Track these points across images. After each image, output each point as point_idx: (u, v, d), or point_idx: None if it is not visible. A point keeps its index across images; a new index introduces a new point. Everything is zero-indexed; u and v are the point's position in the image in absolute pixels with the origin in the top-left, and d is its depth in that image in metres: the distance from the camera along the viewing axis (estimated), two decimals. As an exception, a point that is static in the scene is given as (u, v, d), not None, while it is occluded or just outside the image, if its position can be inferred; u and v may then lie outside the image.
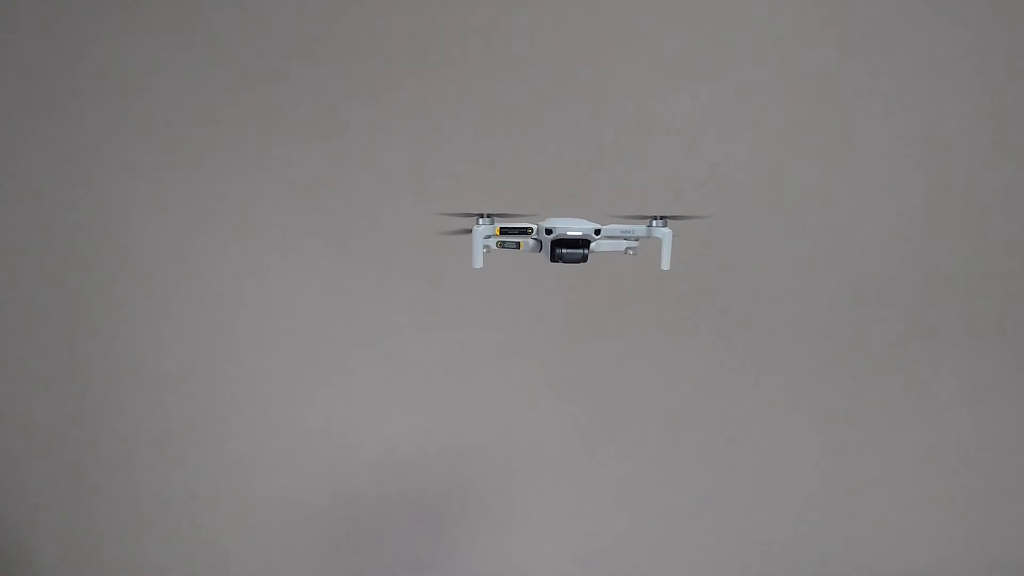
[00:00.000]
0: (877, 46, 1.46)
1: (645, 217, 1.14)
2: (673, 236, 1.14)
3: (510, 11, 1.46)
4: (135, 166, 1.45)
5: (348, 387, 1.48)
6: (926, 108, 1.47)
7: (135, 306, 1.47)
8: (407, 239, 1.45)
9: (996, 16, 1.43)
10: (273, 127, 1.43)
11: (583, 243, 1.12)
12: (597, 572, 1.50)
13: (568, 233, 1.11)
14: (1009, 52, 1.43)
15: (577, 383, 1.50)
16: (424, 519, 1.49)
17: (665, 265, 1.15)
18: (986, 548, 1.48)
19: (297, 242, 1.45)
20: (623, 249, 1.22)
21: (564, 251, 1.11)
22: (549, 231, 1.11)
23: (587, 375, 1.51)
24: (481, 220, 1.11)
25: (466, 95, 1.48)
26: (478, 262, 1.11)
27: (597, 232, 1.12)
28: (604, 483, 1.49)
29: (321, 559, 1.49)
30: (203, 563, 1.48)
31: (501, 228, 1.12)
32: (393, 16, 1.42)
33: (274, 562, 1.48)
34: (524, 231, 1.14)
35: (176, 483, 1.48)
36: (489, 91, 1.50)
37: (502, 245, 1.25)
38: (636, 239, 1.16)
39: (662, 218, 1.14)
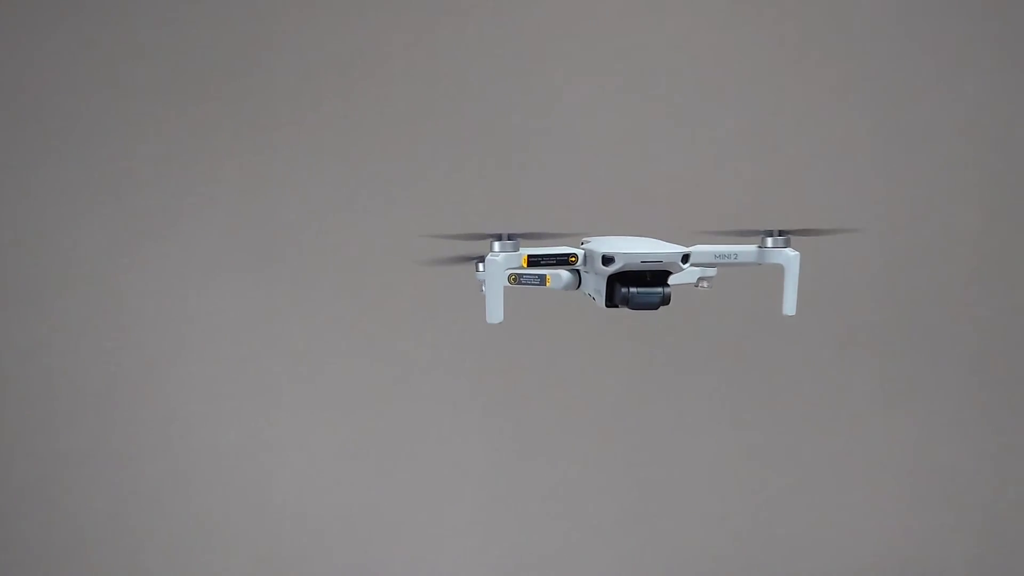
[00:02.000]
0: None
1: (754, 232, 0.73)
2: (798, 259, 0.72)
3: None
4: (53, 182, 1.44)
5: (272, 405, 1.45)
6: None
7: (53, 325, 1.46)
8: (339, 254, 1.44)
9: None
10: (198, 143, 1.41)
11: (661, 276, 0.71)
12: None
13: (642, 262, 0.68)
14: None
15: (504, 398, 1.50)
16: (351, 534, 1.48)
17: (790, 307, 0.73)
18: (900, 550, 1.51)
19: (221, 261, 1.42)
20: (693, 281, 0.83)
21: (635, 291, 0.69)
22: (608, 260, 0.69)
23: (513, 392, 1.51)
24: (497, 245, 0.69)
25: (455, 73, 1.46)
26: (496, 314, 0.69)
27: (685, 259, 0.70)
28: (531, 496, 1.50)
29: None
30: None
31: (529, 257, 0.70)
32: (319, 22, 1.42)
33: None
34: (565, 260, 0.72)
35: (96, 505, 1.45)
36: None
37: (517, 280, 0.84)
38: (734, 265, 0.75)
39: (783, 233, 0.72)
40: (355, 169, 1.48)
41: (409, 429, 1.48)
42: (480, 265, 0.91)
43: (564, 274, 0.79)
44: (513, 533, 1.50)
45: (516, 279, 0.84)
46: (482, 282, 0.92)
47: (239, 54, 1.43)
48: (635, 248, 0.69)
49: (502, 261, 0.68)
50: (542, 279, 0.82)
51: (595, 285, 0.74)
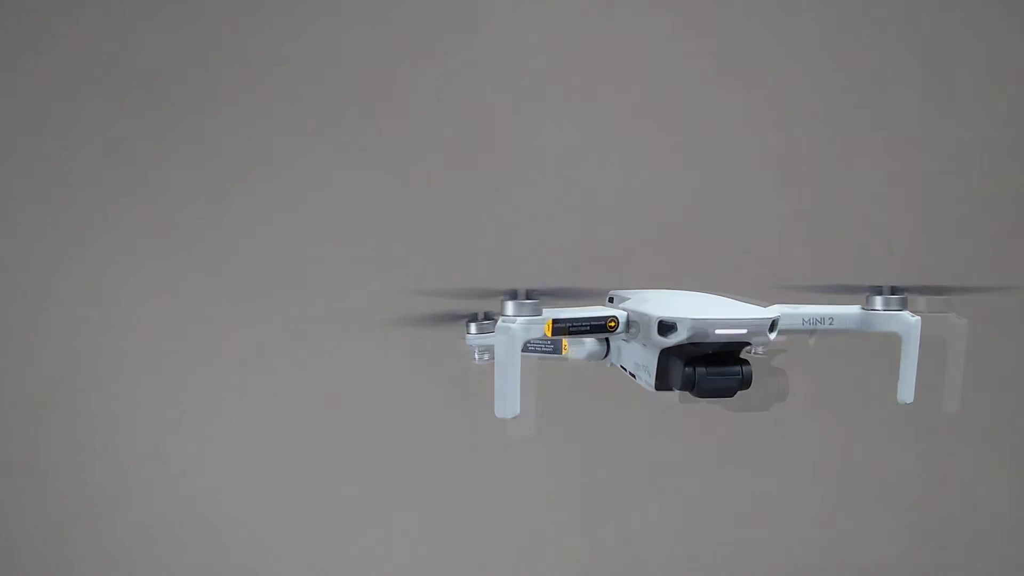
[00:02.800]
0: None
1: (857, 289, 0.54)
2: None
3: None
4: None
5: (216, 412, 1.39)
6: None
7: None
8: (284, 259, 1.38)
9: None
10: (139, 145, 1.34)
11: (732, 348, 0.51)
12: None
13: (716, 333, 0.48)
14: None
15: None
16: (299, 538, 1.43)
17: (907, 394, 0.54)
18: (836, 550, 1.53)
19: (164, 266, 1.36)
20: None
21: (704, 371, 0.49)
22: (667, 327, 0.49)
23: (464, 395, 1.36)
24: (512, 306, 0.48)
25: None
26: (510, 405, 0.48)
27: (773, 326, 0.50)
28: (471, 504, 1.46)
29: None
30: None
31: (554, 322, 0.49)
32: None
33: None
34: (602, 326, 0.52)
35: (39, 514, 1.39)
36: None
37: (524, 347, 0.63)
38: (827, 333, 0.56)
39: (898, 291, 0.53)
40: (291, 167, 1.38)
41: (353, 435, 1.41)
42: (472, 326, 0.70)
43: (588, 341, 0.58)
44: (462, 542, 1.45)
45: (527, 348, 0.63)
46: (476, 349, 0.71)
47: (175, 47, 1.35)
48: (706, 311, 0.48)
49: (520, 330, 0.47)
50: (557, 347, 0.61)
51: (638, 358, 0.54)
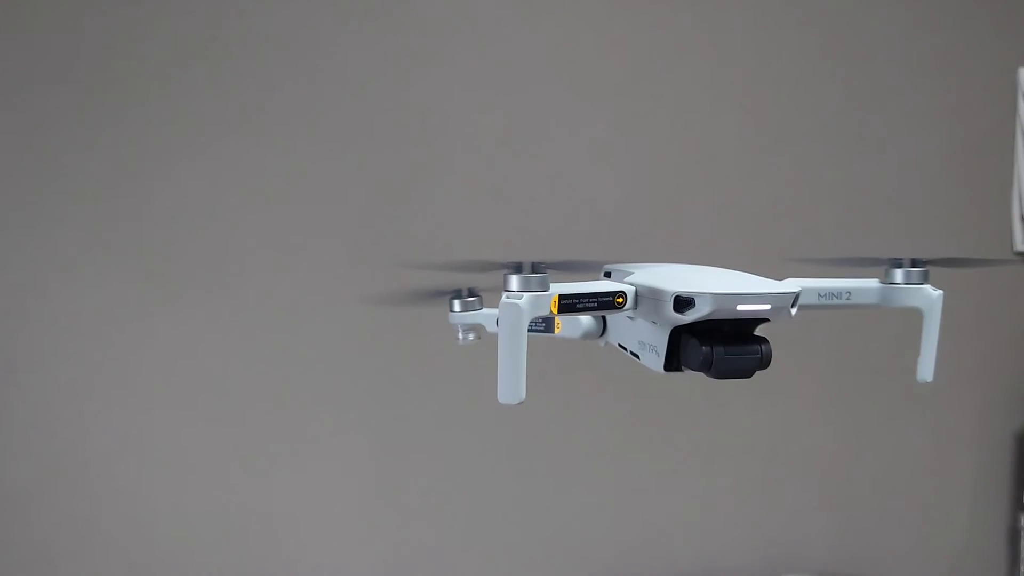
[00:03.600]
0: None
1: (876, 261, 0.51)
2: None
3: None
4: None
5: (142, 406, 1.33)
6: None
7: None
8: (209, 249, 1.31)
9: None
10: (57, 132, 1.26)
11: (747, 326, 0.47)
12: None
13: (739, 309, 0.44)
14: None
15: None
16: (228, 530, 1.36)
17: (927, 372, 0.51)
18: (764, 530, 1.55)
19: (83, 255, 1.29)
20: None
21: (728, 352, 0.45)
22: (685, 302, 0.45)
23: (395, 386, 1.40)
24: (517, 280, 0.44)
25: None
26: (516, 389, 0.44)
27: (795, 301, 0.46)
28: (413, 493, 1.44)
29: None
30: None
31: (561, 298, 0.45)
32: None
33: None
34: (610, 302, 0.47)
35: None
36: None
37: None
38: (844, 308, 0.52)
39: (920, 263, 0.50)
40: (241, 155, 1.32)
41: (286, 427, 1.38)
42: (456, 303, 0.65)
43: (583, 319, 0.54)
44: (394, 530, 1.45)
45: None
46: (460, 328, 0.66)
47: (108, 36, 1.27)
48: (726, 286, 0.44)
49: (526, 306, 0.42)
50: (549, 324, 0.57)
51: (643, 337, 0.50)
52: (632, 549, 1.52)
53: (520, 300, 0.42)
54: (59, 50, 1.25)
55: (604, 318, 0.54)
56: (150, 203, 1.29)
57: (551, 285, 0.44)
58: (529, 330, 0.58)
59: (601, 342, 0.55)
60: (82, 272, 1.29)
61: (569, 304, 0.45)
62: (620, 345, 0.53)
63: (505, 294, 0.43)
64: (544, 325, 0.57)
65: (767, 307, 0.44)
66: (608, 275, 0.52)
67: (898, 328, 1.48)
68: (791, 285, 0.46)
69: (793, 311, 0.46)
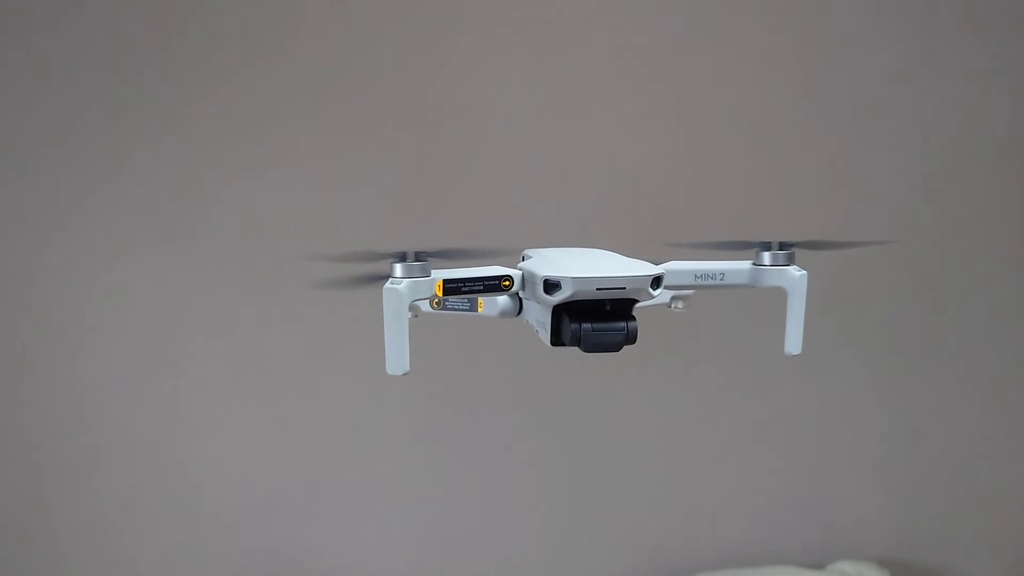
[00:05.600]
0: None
1: (747, 245, 0.55)
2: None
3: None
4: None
5: (188, 384, 1.40)
6: None
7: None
8: (250, 232, 1.37)
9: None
10: (102, 120, 1.33)
11: (623, 305, 0.53)
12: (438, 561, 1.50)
13: (597, 289, 0.51)
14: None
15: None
16: (273, 504, 1.44)
17: (794, 345, 0.56)
18: (818, 513, 1.55)
19: (129, 237, 1.36)
20: (667, 302, 0.68)
21: (589, 327, 0.51)
22: (552, 285, 0.51)
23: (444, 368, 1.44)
24: (400, 268, 0.51)
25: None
26: (399, 361, 0.51)
27: (656, 283, 0.52)
28: (444, 476, 1.48)
29: (165, 560, 1.43)
30: (41, 568, 1.42)
31: (446, 282, 0.52)
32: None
33: (114, 566, 1.42)
34: (496, 285, 0.54)
35: (10, 487, 1.40)
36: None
37: (443, 305, 0.66)
38: (719, 288, 0.57)
39: (786, 246, 0.55)
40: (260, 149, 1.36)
41: (329, 406, 1.44)
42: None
43: (500, 300, 0.61)
44: (436, 504, 1.48)
45: (439, 304, 0.66)
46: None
47: (150, 25, 1.32)
48: (588, 269, 0.50)
49: (405, 291, 0.49)
50: (473, 304, 0.63)
51: (537, 315, 0.56)
52: (680, 531, 1.53)
53: (400, 286, 0.49)
54: (103, 34, 1.30)
55: (520, 299, 0.61)
56: (194, 187, 1.35)
57: (433, 271, 0.51)
58: (455, 309, 0.65)
59: (522, 320, 0.62)
60: (130, 255, 1.36)
61: (454, 287, 0.52)
62: (530, 323, 0.59)
63: (390, 280, 0.50)
64: (469, 306, 0.63)
65: (623, 288, 0.50)
66: (524, 259, 0.59)
67: (956, 308, 1.48)
68: (659, 268, 0.52)
69: (655, 291, 0.51)
